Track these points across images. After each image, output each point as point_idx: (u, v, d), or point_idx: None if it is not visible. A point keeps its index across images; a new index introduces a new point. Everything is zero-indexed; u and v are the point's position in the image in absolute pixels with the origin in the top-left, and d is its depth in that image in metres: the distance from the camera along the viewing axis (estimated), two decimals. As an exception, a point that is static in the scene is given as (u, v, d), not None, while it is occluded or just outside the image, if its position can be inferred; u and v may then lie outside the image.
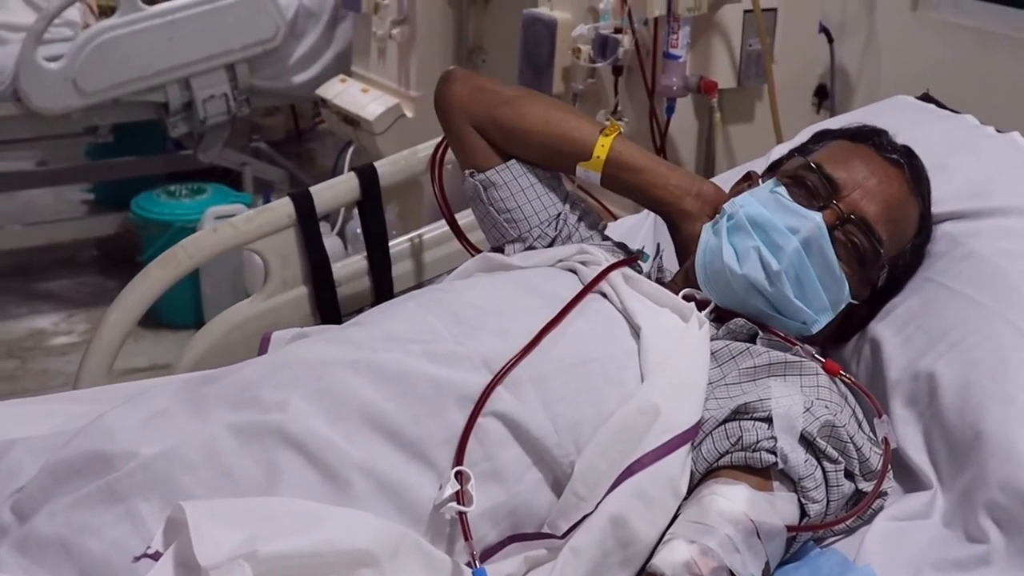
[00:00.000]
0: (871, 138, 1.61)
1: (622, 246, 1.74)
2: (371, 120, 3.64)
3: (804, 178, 1.55)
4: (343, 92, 3.85)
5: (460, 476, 1.27)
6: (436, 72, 3.55)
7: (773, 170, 1.65)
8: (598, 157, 1.67)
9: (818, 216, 1.49)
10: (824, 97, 3.31)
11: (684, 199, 1.66)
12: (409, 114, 3.66)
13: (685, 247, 1.66)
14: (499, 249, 1.74)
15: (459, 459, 1.29)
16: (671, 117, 2.61)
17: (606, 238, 1.76)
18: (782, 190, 1.54)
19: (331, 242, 3.45)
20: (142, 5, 3.86)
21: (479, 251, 1.80)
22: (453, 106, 1.77)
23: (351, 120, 3.75)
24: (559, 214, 1.72)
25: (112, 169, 4.76)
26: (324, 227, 3.63)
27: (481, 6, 3.67)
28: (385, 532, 1.22)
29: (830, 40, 3.15)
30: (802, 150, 1.65)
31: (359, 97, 3.77)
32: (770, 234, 1.50)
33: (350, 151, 3.92)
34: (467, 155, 1.77)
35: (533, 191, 1.72)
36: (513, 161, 1.73)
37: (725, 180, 1.79)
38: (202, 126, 4.13)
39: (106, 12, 4.04)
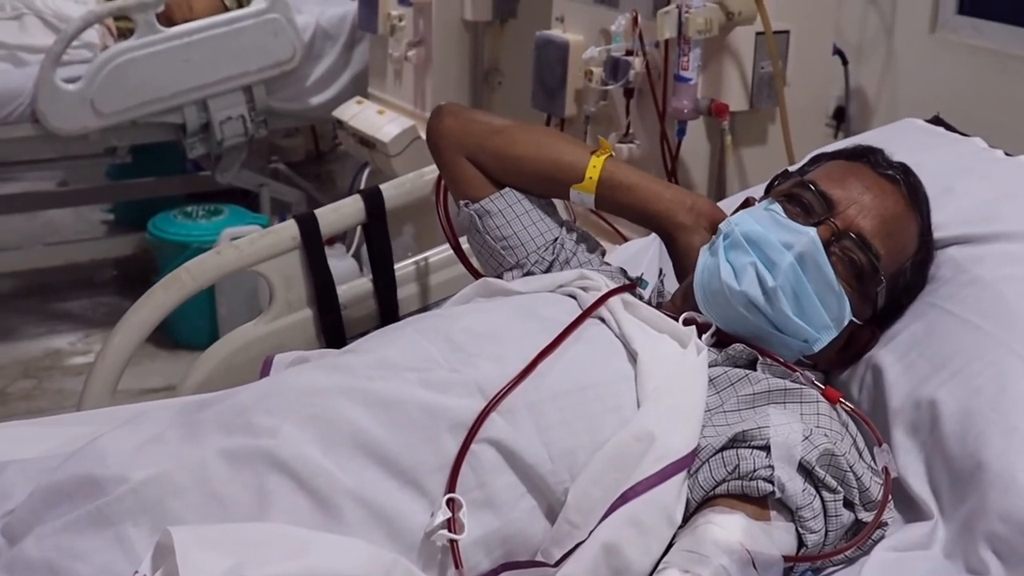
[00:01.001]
0: (866, 156, 1.61)
1: (623, 272, 1.73)
2: (386, 142, 3.64)
3: (799, 196, 1.54)
4: (359, 114, 3.85)
5: (452, 503, 1.26)
6: (451, 94, 3.63)
7: (769, 192, 1.64)
8: (591, 178, 1.68)
9: (812, 231, 1.48)
10: (842, 120, 3.30)
11: (679, 212, 1.67)
12: (424, 136, 3.65)
13: (682, 260, 1.67)
14: (499, 278, 1.73)
15: (451, 486, 1.27)
16: (682, 140, 2.60)
17: (606, 263, 1.75)
18: (777, 207, 1.53)
19: (346, 264, 3.45)
20: (160, 27, 3.88)
21: (482, 275, 1.79)
22: (445, 138, 1.78)
23: (367, 142, 3.75)
24: (556, 239, 1.72)
25: (131, 190, 4.78)
26: (339, 249, 3.65)
27: (497, 28, 3.67)
28: (376, 559, 1.20)
29: (844, 62, 3.13)
30: (798, 172, 1.64)
31: (375, 119, 3.78)
32: (765, 250, 1.49)
33: (366, 173, 3.93)
34: (461, 186, 1.78)
35: (528, 217, 1.72)
36: (507, 189, 1.73)
37: (734, 203, 1.77)
38: (219, 147, 4.14)
39: (125, 34, 4.05)
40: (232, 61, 4.01)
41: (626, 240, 2.48)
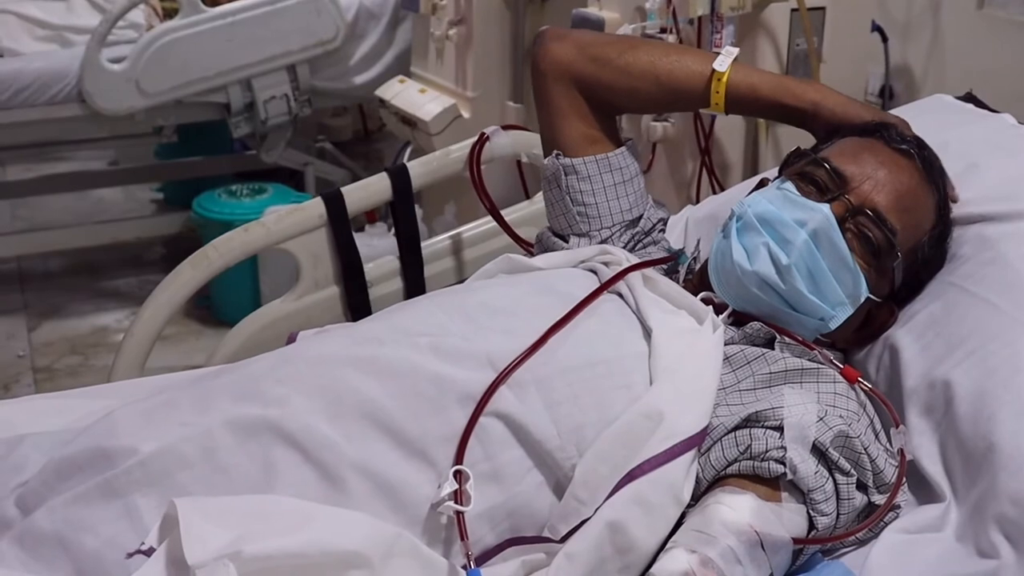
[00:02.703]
0: (879, 131, 1.58)
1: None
2: (427, 120, 3.63)
3: (812, 174, 1.52)
4: (401, 92, 3.85)
5: (459, 475, 1.26)
6: (492, 73, 3.62)
7: (783, 171, 1.62)
8: (716, 104, 1.67)
9: (825, 208, 1.46)
10: (891, 96, 3.26)
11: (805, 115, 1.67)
12: (466, 115, 3.65)
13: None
14: (562, 237, 1.73)
15: (459, 458, 1.28)
16: (715, 117, 2.58)
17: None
18: (790, 186, 1.52)
19: (388, 242, 3.46)
20: (203, 7, 3.89)
21: (531, 245, 1.79)
22: (554, 64, 1.73)
23: (408, 120, 3.75)
24: (637, 218, 1.72)
25: (179, 169, 4.82)
26: (381, 227, 3.66)
27: (538, 6, 3.65)
28: (379, 533, 1.21)
29: (884, 39, 3.08)
30: (811, 150, 1.62)
31: (417, 98, 3.78)
32: (778, 229, 1.48)
33: (408, 151, 3.93)
34: (558, 135, 1.75)
35: (615, 191, 1.71)
36: (605, 155, 1.71)
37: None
38: (264, 127, 4.16)
39: (170, 14, 4.08)
40: (275, 40, 4.01)
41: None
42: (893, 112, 1.93)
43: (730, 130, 2.65)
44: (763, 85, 1.67)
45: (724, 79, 1.66)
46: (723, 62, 1.66)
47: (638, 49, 1.73)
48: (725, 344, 1.45)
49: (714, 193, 2.51)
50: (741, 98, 1.67)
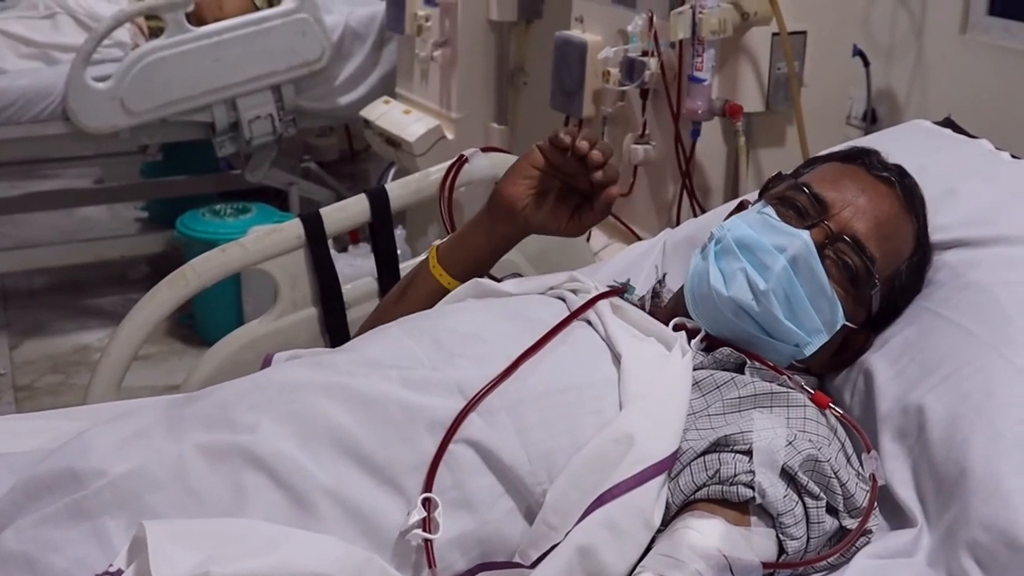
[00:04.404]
0: (861, 158, 1.58)
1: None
2: (412, 141, 3.65)
3: (793, 199, 1.52)
4: (386, 113, 3.87)
5: (428, 503, 1.26)
6: (477, 94, 3.64)
7: (763, 195, 1.62)
8: (435, 266, 1.68)
9: (805, 234, 1.46)
10: (874, 121, 3.27)
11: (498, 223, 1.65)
12: (450, 136, 3.67)
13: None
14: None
15: (428, 486, 1.27)
16: (696, 141, 2.58)
17: None
18: (770, 210, 1.52)
19: (371, 262, 3.45)
20: (189, 27, 3.91)
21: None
22: None
23: (393, 141, 3.76)
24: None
25: (164, 188, 4.83)
26: (365, 248, 3.66)
27: (522, 28, 3.66)
28: (349, 557, 1.21)
29: (866, 63, 3.10)
30: (792, 174, 1.62)
31: (401, 118, 3.79)
32: (757, 254, 1.47)
33: (392, 172, 3.94)
34: None
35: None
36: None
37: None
38: (248, 146, 4.16)
39: (156, 33, 4.08)
40: (261, 60, 4.03)
41: (640, 239, 2.47)
42: (872, 137, 1.94)
43: (711, 153, 2.66)
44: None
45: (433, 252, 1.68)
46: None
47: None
48: (695, 369, 1.45)
49: (695, 216, 2.51)
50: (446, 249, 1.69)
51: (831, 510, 1.36)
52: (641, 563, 1.27)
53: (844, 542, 1.34)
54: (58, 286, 4.52)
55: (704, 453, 1.35)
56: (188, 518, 1.23)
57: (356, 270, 2.42)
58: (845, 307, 1.49)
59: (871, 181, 1.54)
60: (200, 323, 4.02)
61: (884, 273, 1.51)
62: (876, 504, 1.36)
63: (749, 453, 1.32)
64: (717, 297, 1.48)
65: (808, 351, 1.49)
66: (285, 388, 1.36)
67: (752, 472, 1.30)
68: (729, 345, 1.49)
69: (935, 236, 1.60)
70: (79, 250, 4.53)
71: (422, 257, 1.72)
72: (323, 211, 2.06)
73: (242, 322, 3.80)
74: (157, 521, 1.18)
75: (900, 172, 1.58)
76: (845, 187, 1.52)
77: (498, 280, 1.68)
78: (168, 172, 4.81)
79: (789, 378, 1.45)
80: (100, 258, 4.54)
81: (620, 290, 1.56)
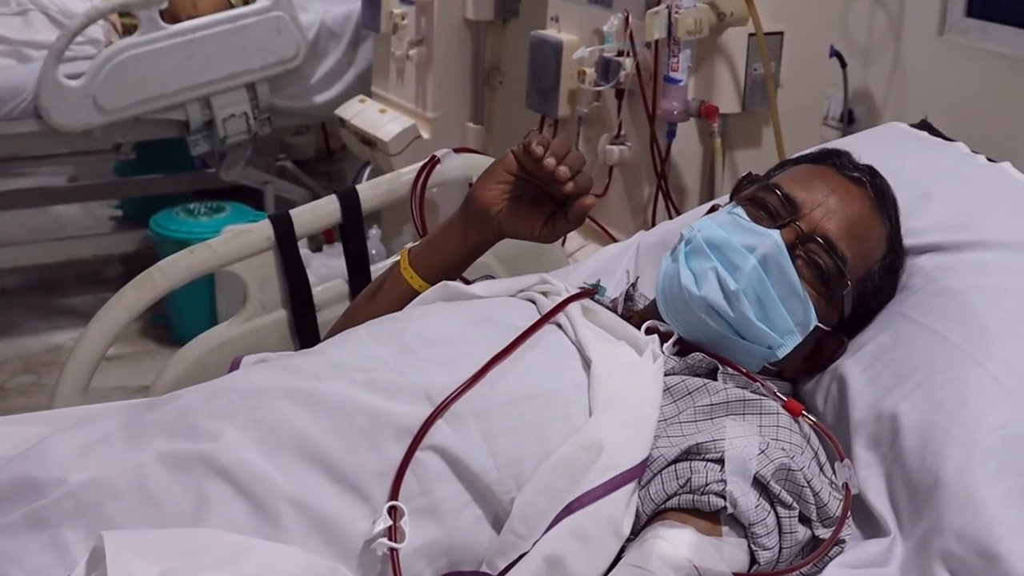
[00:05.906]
0: (832, 159, 1.57)
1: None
2: (387, 141, 3.63)
3: (764, 200, 1.51)
4: (361, 112, 3.84)
5: (394, 511, 1.23)
6: (453, 94, 3.62)
7: (734, 196, 1.61)
8: (407, 269, 1.65)
9: (775, 233, 1.45)
10: (852, 122, 3.26)
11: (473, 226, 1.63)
12: (425, 135, 3.65)
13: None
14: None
15: (394, 494, 1.25)
16: (672, 142, 2.57)
17: None
18: (740, 211, 1.50)
19: (344, 262, 3.44)
20: (163, 24, 3.87)
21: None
22: None
23: (368, 140, 3.74)
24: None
25: (137, 186, 4.79)
26: (338, 247, 3.62)
27: (499, 27, 3.64)
28: (313, 567, 1.18)
29: (843, 64, 3.09)
30: (764, 176, 1.61)
31: (376, 117, 3.77)
32: (727, 254, 1.46)
33: (367, 171, 3.91)
34: None
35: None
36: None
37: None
38: (223, 145, 4.13)
39: (130, 31, 4.05)
40: (235, 58, 3.99)
41: (615, 241, 2.46)
42: (848, 139, 1.92)
43: (687, 154, 2.65)
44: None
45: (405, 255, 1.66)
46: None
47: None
48: (666, 375, 1.43)
49: (670, 218, 2.50)
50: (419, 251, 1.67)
51: (804, 519, 1.34)
52: (610, 573, 1.25)
53: (817, 552, 1.32)
54: (30, 285, 4.48)
55: (675, 461, 1.33)
56: (149, 528, 1.21)
57: (330, 270, 2.40)
58: (817, 308, 1.47)
59: (842, 181, 1.53)
60: (174, 323, 3.98)
61: (856, 274, 1.50)
62: (849, 513, 1.35)
63: (721, 462, 1.30)
64: (689, 297, 1.46)
65: (781, 353, 1.48)
66: (249, 394, 1.33)
67: (724, 481, 1.29)
68: (701, 350, 1.48)
69: (910, 240, 1.59)
70: (52, 249, 4.50)
71: (394, 258, 1.70)
72: (293, 212, 2.03)
73: (216, 322, 3.78)
74: (116, 532, 1.15)
75: (871, 172, 1.57)
76: (816, 187, 1.51)
77: (469, 282, 1.66)
78: (142, 171, 4.77)
79: (762, 384, 1.44)
80: (73, 257, 4.51)
81: (590, 292, 1.54)
